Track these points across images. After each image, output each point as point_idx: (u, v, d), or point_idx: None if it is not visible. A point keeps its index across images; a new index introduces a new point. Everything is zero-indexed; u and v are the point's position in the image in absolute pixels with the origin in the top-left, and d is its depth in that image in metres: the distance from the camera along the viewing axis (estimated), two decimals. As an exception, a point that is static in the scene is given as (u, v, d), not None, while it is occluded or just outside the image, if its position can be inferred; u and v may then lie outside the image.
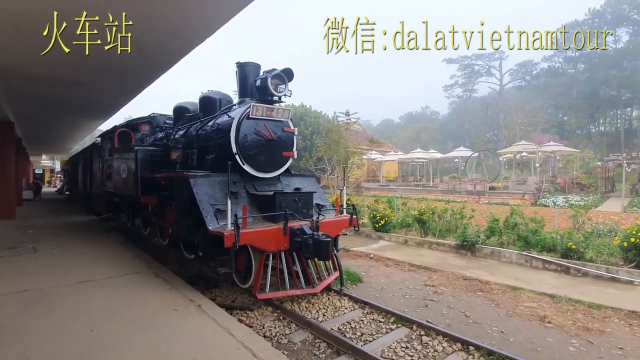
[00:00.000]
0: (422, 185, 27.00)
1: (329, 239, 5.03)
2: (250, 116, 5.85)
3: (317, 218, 5.67)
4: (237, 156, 5.83)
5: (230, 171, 5.91)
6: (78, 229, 10.59)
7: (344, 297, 5.47)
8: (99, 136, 11.83)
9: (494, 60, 57.34)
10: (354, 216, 6.30)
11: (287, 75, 6.06)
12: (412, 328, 4.47)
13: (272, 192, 5.60)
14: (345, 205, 6.86)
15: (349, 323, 4.63)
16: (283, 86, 6.20)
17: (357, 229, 6.37)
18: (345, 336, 4.26)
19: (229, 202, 4.93)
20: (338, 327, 4.51)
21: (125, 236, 9.47)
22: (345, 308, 5.12)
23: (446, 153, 31.95)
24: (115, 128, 10.20)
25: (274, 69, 6.04)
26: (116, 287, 5.12)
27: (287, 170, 6.91)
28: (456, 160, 30.32)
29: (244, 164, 5.91)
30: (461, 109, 60.91)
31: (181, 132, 7.86)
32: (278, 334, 4.32)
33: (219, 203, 5.42)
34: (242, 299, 5.44)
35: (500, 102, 54.07)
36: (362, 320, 4.71)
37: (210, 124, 6.72)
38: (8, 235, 9.22)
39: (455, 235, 8.62)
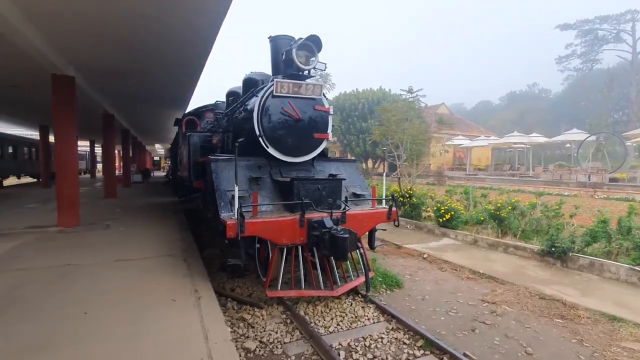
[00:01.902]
0: (520, 175, 23.15)
1: (346, 235, 4.19)
2: (275, 94, 5.27)
3: (344, 209, 4.87)
4: (260, 138, 5.34)
5: (256, 155, 5.56)
6: (156, 210, 11.66)
7: (370, 305, 4.60)
8: (174, 125, 12.78)
9: (624, 23, 45.75)
10: (394, 208, 5.29)
11: (315, 44, 5.28)
12: (442, 359, 3.41)
13: (289, 179, 4.97)
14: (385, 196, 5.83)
15: (364, 339, 3.79)
16: (313, 58, 5.46)
17: (396, 223, 5.34)
18: (352, 356, 3.46)
19: (236, 188, 4.46)
20: (348, 343, 3.72)
21: (188, 217, 10.01)
22: (367, 318, 4.26)
23: (554, 137, 26.67)
24: (183, 116, 10.81)
25: (300, 39, 5.32)
26: (141, 269, 5.18)
27: (323, 155, 6.21)
28: (567, 145, 25.13)
29: (267, 147, 5.38)
30: (579, 84, 50.59)
31: (225, 117, 7.78)
32: (275, 341, 3.75)
33: (241, 189, 5.02)
34: (259, 294, 5.01)
35: (632, 73, 43.18)
36: (381, 337, 3.82)
37: (242, 106, 6.40)
38: (99, 212, 10.60)
39: (543, 238, 6.78)
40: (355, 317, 4.30)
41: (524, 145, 25.44)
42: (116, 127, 16.18)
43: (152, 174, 33.59)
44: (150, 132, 25.73)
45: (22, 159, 23.22)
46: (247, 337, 3.83)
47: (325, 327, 4.04)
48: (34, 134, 23.18)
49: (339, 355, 3.47)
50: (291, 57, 5.25)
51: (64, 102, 8.24)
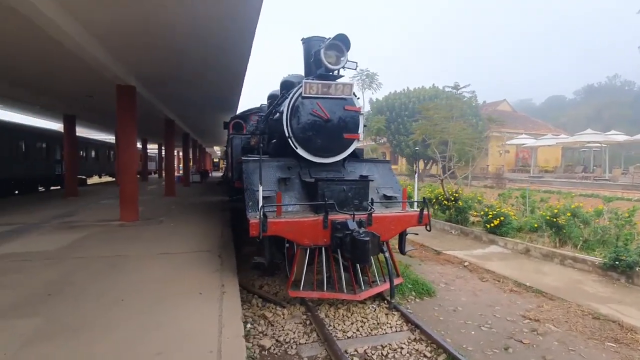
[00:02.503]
0: (594, 177, 20.55)
1: (367, 238, 4.06)
2: (304, 95, 5.30)
3: (370, 211, 4.73)
4: (290, 139, 5.41)
5: (287, 156, 5.65)
6: (206, 208, 12.44)
7: (395, 313, 4.40)
8: (224, 128, 13.53)
9: None
10: (425, 212, 5.00)
11: (343, 43, 5.21)
12: (463, 377, 3.14)
13: (313, 179, 4.95)
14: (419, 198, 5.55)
15: (383, 347, 3.63)
16: (343, 57, 5.39)
17: (428, 228, 5.04)
18: (365, 364, 3.34)
19: (260, 187, 4.57)
20: (365, 350, 3.60)
21: (233, 215, 10.52)
22: (390, 326, 4.09)
23: (636, 135, 23.16)
24: (230, 119, 11.41)
25: (329, 39, 5.29)
26: (179, 262, 5.54)
27: (355, 155, 6.11)
28: (657, 144, 21.69)
29: (296, 148, 5.43)
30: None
31: (264, 119, 8.03)
32: (291, 341, 3.76)
33: (269, 189, 5.15)
34: (285, 293, 5.06)
35: None
36: (401, 347, 3.63)
37: (276, 108, 6.54)
38: (157, 209, 11.60)
39: (608, 249, 5.93)
40: (377, 323, 4.15)
41: (600, 145, 22.44)
42: (176, 131, 17.65)
43: (210, 175, 35.89)
44: (208, 135, 27.53)
45: (103, 160, 26.30)
46: (265, 334, 3.89)
47: (343, 332, 3.96)
48: (112, 138, 26.13)
49: (351, 361, 3.38)
50: (319, 58, 5.24)
51: (126, 109, 9.16)
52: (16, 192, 16.90)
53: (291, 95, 5.47)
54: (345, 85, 5.42)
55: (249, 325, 4.03)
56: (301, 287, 4.55)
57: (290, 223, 4.43)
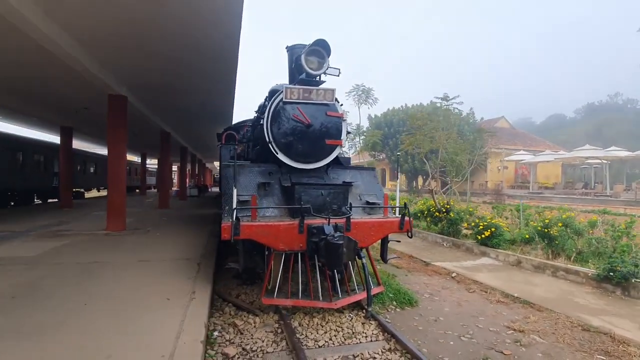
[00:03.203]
0: (595, 194, 20.29)
1: (341, 242, 3.91)
2: (285, 100, 5.27)
3: (347, 215, 4.59)
4: (270, 144, 5.33)
5: (270, 162, 5.56)
6: (197, 220, 12.29)
7: (372, 322, 4.19)
8: (217, 140, 13.55)
9: None
10: (407, 218, 4.85)
11: (323, 48, 5.21)
12: (435, 388, 2.92)
13: (289, 183, 4.85)
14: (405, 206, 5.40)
15: (355, 357, 3.42)
16: (325, 63, 5.39)
17: (409, 235, 4.88)
18: (332, 374, 3.13)
19: (235, 190, 4.46)
20: (335, 359, 3.38)
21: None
22: (365, 336, 3.87)
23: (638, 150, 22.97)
24: (223, 131, 11.43)
25: (310, 45, 5.29)
26: (156, 269, 5.38)
27: (339, 163, 6.02)
28: (658, 161, 21.48)
29: (277, 153, 5.34)
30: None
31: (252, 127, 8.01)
32: (258, 350, 3.55)
33: (248, 194, 5.04)
34: (261, 302, 4.86)
35: None
36: (374, 357, 3.42)
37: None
38: (147, 220, 11.47)
39: (602, 261, 5.71)
40: (352, 333, 3.93)
41: (600, 161, 22.24)
42: (172, 145, 17.73)
43: (209, 189, 35.84)
44: (207, 150, 27.63)
45: (102, 174, 26.37)
46: (232, 342, 3.69)
47: (315, 340, 3.75)
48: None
49: (318, 371, 3.17)
50: (300, 63, 5.23)
51: (117, 119, 9.20)
52: (12, 203, 16.88)
53: (272, 100, 5.44)
54: (327, 91, 5.38)
55: (216, 333, 3.84)
56: (275, 295, 4.37)
57: (263, 227, 4.28)
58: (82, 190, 24.26)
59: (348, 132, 6.07)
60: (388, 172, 40.71)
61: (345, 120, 5.71)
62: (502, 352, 3.50)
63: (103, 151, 26.82)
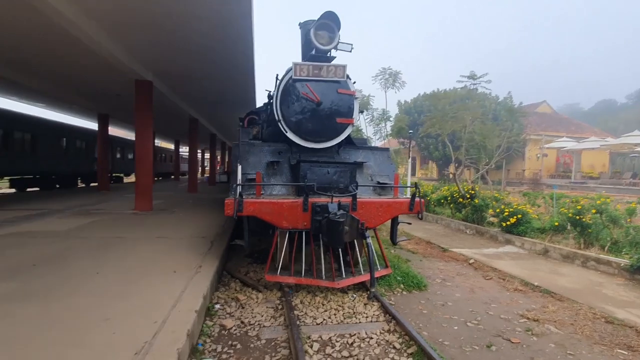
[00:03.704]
0: (646, 184, 18.53)
1: (342, 220, 3.81)
2: (294, 77, 5.16)
3: (352, 194, 4.46)
4: (279, 123, 5.27)
5: (280, 141, 5.52)
6: (221, 203, 12.58)
7: (375, 303, 4.08)
8: (240, 124, 13.72)
9: None
10: (417, 198, 4.64)
11: (333, 21, 5.00)
12: (429, 372, 2.78)
13: (295, 161, 4.77)
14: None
15: (351, 336, 3.34)
16: (335, 38, 5.19)
17: (420, 216, 4.67)
18: (324, 351, 3.08)
19: (239, 167, 4.47)
20: (330, 337, 3.33)
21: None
22: (366, 316, 3.78)
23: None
24: (245, 115, 11.55)
25: (319, 18, 5.11)
26: (171, 245, 5.56)
27: (351, 142, 5.87)
28: None
29: (286, 132, 5.27)
30: None
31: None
32: (256, 324, 3.58)
33: (254, 172, 5.05)
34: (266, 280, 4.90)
35: None
36: (370, 337, 3.33)
37: (274, 95, 6.47)
38: (174, 202, 11.95)
39: (638, 251, 5.18)
40: (353, 312, 3.86)
41: (655, 148, 20.11)
42: (202, 132, 18.24)
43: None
44: (234, 137, 28.22)
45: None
46: (232, 315, 3.75)
47: (314, 318, 3.72)
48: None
49: (311, 347, 3.13)
50: (310, 39, 5.08)
51: (143, 104, 9.53)
52: (57, 186, 18.25)
53: (282, 78, 5.35)
54: (337, 67, 5.20)
55: (218, 306, 3.91)
56: (278, 272, 4.37)
57: (266, 204, 4.27)
58: (122, 175, 25.70)
59: (361, 111, 5.87)
60: (418, 159, 39.57)
61: (357, 98, 5.51)
62: (509, 340, 3.28)
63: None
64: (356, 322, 3.65)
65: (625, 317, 3.70)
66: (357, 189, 4.52)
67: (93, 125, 20.97)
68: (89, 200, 11.78)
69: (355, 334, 3.38)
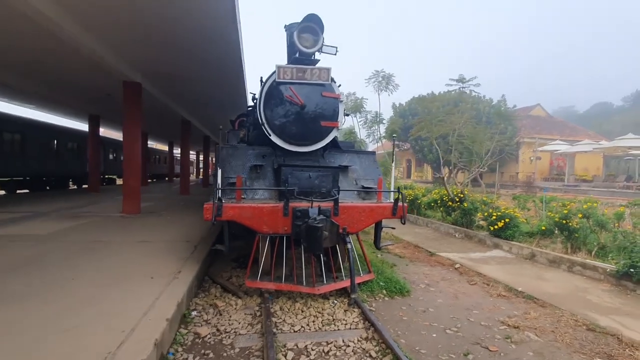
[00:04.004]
0: (636, 187, 18.63)
1: (320, 225, 3.75)
2: (278, 80, 5.10)
3: (333, 198, 4.41)
4: (263, 126, 5.21)
5: (265, 144, 5.45)
6: (212, 205, 12.51)
7: (355, 310, 4.01)
8: (231, 126, 13.64)
9: None
10: (400, 203, 4.58)
11: (316, 24, 4.96)
12: (402, 381, 2.72)
13: (276, 165, 4.72)
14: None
15: (328, 344, 3.27)
16: (319, 40, 5.15)
17: (403, 221, 4.61)
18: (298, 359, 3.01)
19: (219, 171, 4.42)
20: (306, 345, 3.26)
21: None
22: (345, 323, 3.72)
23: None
24: (236, 118, 11.48)
25: (302, 21, 5.06)
26: (152, 249, 5.47)
27: (337, 146, 5.82)
28: None
29: (270, 135, 5.21)
30: None
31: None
32: (232, 331, 3.50)
33: (234, 176, 4.99)
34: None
35: None
36: (347, 345, 3.26)
37: (259, 97, 6.41)
38: (165, 204, 11.84)
39: (625, 256, 5.15)
40: (333, 319, 3.79)
41: (648, 152, 20.23)
42: (195, 133, 18.14)
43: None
44: (223, 138, 28.11)
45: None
46: (208, 323, 3.66)
47: (291, 325, 3.64)
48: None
49: (285, 356, 3.06)
50: (293, 41, 5.04)
51: (131, 105, 9.44)
52: (47, 187, 18.05)
53: (266, 81, 5.29)
54: (322, 70, 5.15)
55: (194, 313, 3.83)
56: (259, 278, 4.30)
57: (246, 208, 4.20)
58: (115, 177, 25.50)
59: (347, 114, 5.82)
60: (414, 162, 39.62)
61: (342, 101, 5.47)
62: (487, 348, 3.23)
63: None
64: (334, 330, 3.59)
65: (607, 324, 3.66)
66: (338, 193, 4.46)
67: (85, 127, 20.88)
68: (77, 203, 11.64)
69: (332, 342, 3.31)
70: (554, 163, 25.89)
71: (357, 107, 18.06)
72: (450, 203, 8.68)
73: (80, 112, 15.86)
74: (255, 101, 6.57)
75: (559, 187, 20.92)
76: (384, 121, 18.36)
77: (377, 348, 3.20)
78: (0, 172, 14.21)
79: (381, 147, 23.71)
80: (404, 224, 4.65)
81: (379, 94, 17.40)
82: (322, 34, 5.08)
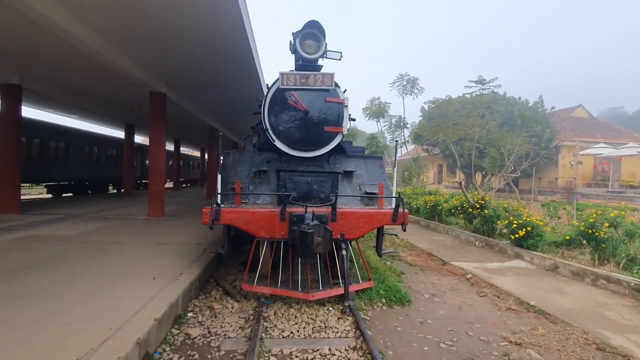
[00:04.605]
0: (696, 194, 16.81)
1: (311, 230, 3.73)
2: (281, 86, 5.18)
3: (329, 204, 4.39)
4: (267, 132, 5.30)
5: (271, 150, 5.55)
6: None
7: (349, 317, 3.94)
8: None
9: None
10: (401, 209, 4.46)
11: (317, 29, 5.01)
12: (380, 393, 2.63)
13: (275, 171, 4.76)
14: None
15: (313, 352, 3.24)
16: (322, 46, 5.18)
17: (404, 228, 4.48)
18: (280, 365, 3.01)
19: (219, 176, 4.53)
20: (291, 352, 3.25)
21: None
22: (336, 331, 3.66)
23: None
24: (257, 124, 11.76)
25: (302, 28, 5.12)
26: (165, 251, 5.71)
27: (343, 151, 5.78)
28: None
29: (274, 141, 5.29)
30: None
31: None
32: (222, 334, 3.56)
33: (242, 182, 5.12)
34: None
35: None
36: (333, 354, 3.21)
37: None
38: (188, 208, 12.34)
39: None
40: (325, 326, 3.74)
41: None
42: (224, 140, 18.79)
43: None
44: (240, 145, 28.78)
45: (166, 167, 29.01)
46: (202, 324, 3.75)
47: (281, 330, 3.64)
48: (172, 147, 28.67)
49: (267, 360, 3.06)
50: (295, 48, 5.11)
51: (157, 114, 9.98)
52: (89, 191, 19.42)
53: (270, 87, 5.39)
54: (325, 76, 5.17)
55: (190, 314, 3.94)
56: (255, 282, 4.35)
57: (243, 213, 4.28)
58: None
59: (352, 119, 5.78)
60: (445, 167, 38.39)
61: (346, 106, 5.43)
62: (480, 365, 3.04)
63: (169, 147, 29.49)
64: (324, 337, 3.54)
65: (620, 343, 3.33)
66: (336, 198, 4.42)
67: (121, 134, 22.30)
68: (110, 205, 12.42)
69: (317, 350, 3.27)
70: (597, 168, 24.02)
71: (380, 112, 17.84)
72: (470, 210, 8.31)
73: (118, 121, 16.98)
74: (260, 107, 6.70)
75: (602, 194, 19.37)
76: (407, 125, 17.97)
77: (363, 358, 3.12)
78: (46, 178, 15.50)
79: (413, 152, 23.17)
80: (404, 230, 4.51)
81: (403, 98, 17.09)
82: (325, 39, 5.11)
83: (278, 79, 5.24)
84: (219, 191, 4.47)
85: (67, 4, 5.71)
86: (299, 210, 4.29)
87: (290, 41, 5.89)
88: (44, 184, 17.07)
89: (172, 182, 31.96)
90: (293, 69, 6.00)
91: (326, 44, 5.16)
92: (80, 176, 17.40)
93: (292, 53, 5.81)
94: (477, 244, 7.98)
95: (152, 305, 3.45)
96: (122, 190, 21.97)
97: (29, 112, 14.87)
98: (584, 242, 6.02)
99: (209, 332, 3.60)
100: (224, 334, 3.56)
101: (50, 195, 17.99)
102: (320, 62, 5.41)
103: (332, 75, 5.19)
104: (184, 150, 29.96)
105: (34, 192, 21.29)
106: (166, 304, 3.51)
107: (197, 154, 37.92)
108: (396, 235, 5.34)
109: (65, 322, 3.01)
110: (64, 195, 17.75)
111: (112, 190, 22.55)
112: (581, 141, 23.04)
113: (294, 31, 6.00)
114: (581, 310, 4.21)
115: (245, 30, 6.47)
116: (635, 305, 4.30)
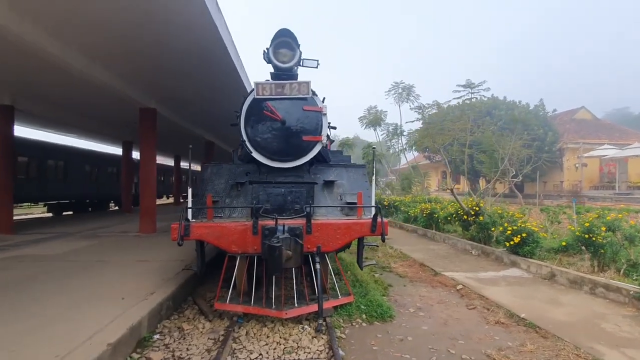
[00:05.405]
0: None
1: (278, 244, 3.54)
2: (256, 96, 5.07)
3: (300, 215, 4.20)
4: (244, 143, 5.17)
5: (251, 162, 5.41)
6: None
7: (323, 336, 3.71)
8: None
9: None
10: (379, 219, 4.25)
11: (290, 38, 4.91)
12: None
13: (244, 182, 4.61)
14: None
15: (279, 375, 3.02)
16: (296, 55, 5.08)
17: (383, 238, 4.26)
18: (240, 392, 2.79)
19: (190, 190, 4.39)
20: (256, 376, 3.03)
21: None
22: (308, 351, 3.43)
23: None
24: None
25: (274, 37, 5.02)
26: (144, 269, 5.56)
27: (323, 160, 5.61)
28: None
29: (251, 152, 5.15)
30: None
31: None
32: (186, 357, 3.36)
33: (218, 195, 4.99)
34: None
35: None
36: (300, 377, 2.98)
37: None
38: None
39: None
40: (297, 347, 3.52)
41: None
42: (220, 153, 18.80)
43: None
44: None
45: (168, 183, 29.11)
46: (167, 347, 3.55)
47: (250, 352, 3.42)
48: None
49: (227, 387, 2.85)
50: (269, 57, 5.01)
51: (147, 129, 9.96)
52: (89, 209, 19.46)
53: (246, 98, 5.28)
54: (301, 84, 5.04)
55: (156, 336, 3.74)
56: (228, 300, 4.15)
57: (215, 227, 4.12)
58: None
59: (333, 127, 5.64)
60: (449, 174, 37.95)
61: (325, 114, 5.29)
62: (458, 387, 2.78)
63: (169, 162, 29.64)
64: (294, 359, 3.31)
65: (614, 359, 3.04)
66: (311, 209, 4.24)
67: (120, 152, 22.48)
68: (106, 223, 12.35)
69: (285, 373, 3.05)
70: (603, 169, 23.48)
71: (377, 120, 17.73)
72: (465, 217, 8.04)
73: (115, 138, 17.07)
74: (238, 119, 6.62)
75: (609, 196, 18.85)
76: (404, 133, 17.80)
77: (330, 382, 2.89)
78: (46, 196, 15.57)
79: (414, 160, 22.86)
80: (383, 241, 4.29)
81: (399, 106, 16.98)
82: (298, 47, 5.01)
83: (252, 90, 5.14)
84: (190, 205, 4.31)
85: (41, 24, 5.72)
86: (271, 223, 4.11)
87: (264, 50, 5.83)
88: (44, 203, 17.14)
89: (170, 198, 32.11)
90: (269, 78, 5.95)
91: (301, 52, 5.06)
92: (80, 194, 17.46)
93: (267, 62, 5.73)
94: (473, 252, 7.69)
95: (110, 328, 3.26)
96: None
97: (28, 132, 15.09)
98: (583, 248, 5.72)
99: (173, 355, 3.40)
100: (189, 358, 3.36)
101: (50, 214, 18.05)
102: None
103: (308, 83, 5.06)
104: (184, 165, 30.02)
105: (36, 212, 21.42)
106: (126, 327, 3.32)
107: (199, 167, 38.17)
108: (377, 246, 5.10)
109: (16, 347, 2.85)
110: (64, 213, 17.80)
111: (113, 207, 22.59)
112: (585, 143, 22.60)
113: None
114: (576, 322, 3.92)
115: (224, 42, 6.42)
116: (635, 316, 4.00)
